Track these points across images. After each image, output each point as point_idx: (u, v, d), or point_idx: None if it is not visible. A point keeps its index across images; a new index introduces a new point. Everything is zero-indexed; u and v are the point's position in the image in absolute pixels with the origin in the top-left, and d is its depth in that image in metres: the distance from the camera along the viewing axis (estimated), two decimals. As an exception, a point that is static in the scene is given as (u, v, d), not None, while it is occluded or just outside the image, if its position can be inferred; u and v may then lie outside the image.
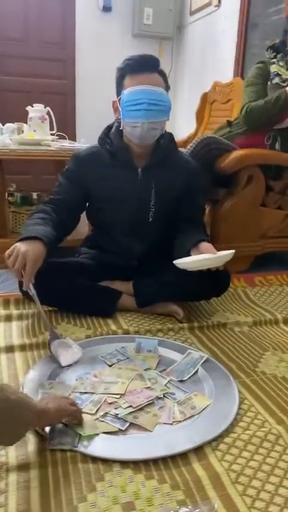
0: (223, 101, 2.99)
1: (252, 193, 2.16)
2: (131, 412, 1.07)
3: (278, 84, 2.10)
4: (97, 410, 1.07)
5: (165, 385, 1.20)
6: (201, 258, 1.41)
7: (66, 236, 1.61)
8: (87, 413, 1.06)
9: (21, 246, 1.33)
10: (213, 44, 3.78)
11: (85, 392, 1.15)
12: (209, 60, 3.87)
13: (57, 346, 1.30)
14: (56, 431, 0.99)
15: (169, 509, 0.81)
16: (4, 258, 1.33)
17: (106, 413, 1.07)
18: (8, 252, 1.33)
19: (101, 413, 1.06)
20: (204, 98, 3.20)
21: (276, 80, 2.11)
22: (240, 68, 3.46)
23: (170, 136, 1.62)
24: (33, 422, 0.92)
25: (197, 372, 1.27)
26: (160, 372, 1.27)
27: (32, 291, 1.34)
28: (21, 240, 1.37)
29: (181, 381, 1.23)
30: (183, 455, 0.96)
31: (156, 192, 1.59)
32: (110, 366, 1.29)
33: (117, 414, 1.06)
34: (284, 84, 2.08)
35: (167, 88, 1.52)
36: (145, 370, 1.26)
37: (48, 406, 0.95)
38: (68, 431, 0.99)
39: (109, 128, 1.61)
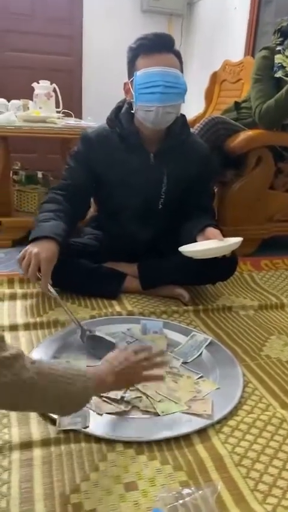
0: (233, 80, 2.92)
1: (261, 175, 2.12)
2: (138, 397, 1.06)
3: (281, 78, 2.02)
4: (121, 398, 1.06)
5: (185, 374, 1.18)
6: (207, 247, 1.38)
7: (78, 223, 1.56)
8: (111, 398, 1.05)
9: (32, 249, 1.29)
10: (224, 21, 3.68)
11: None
12: (220, 38, 3.77)
13: (91, 341, 1.25)
14: None
15: (172, 490, 0.81)
16: (18, 261, 1.30)
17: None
18: (19, 256, 1.29)
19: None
20: (214, 77, 3.13)
21: (280, 73, 2.03)
22: (251, 47, 3.37)
23: (183, 119, 1.55)
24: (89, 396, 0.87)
25: (201, 354, 1.27)
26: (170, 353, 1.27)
27: (53, 293, 1.29)
28: (32, 240, 1.33)
29: (185, 363, 1.23)
30: (186, 437, 0.96)
31: (168, 179, 1.54)
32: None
33: (123, 397, 1.05)
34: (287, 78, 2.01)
35: (182, 69, 1.43)
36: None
37: (107, 379, 0.91)
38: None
39: (119, 108, 1.53)
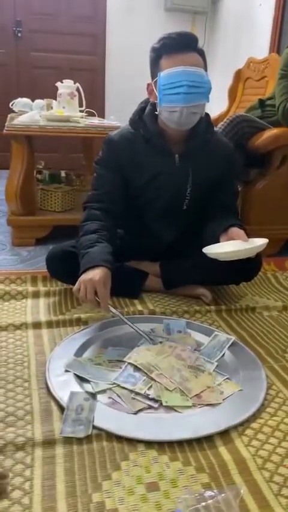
0: (257, 78, 2.88)
1: (286, 174, 2.09)
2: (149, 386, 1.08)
3: None
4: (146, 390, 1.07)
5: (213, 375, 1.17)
6: (232, 249, 1.35)
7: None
8: (135, 391, 1.06)
9: (85, 277, 1.29)
10: (248, 18, 3.64)
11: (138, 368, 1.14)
12: (244, 35, 3.73)
13: None
14: (68, 421, 0.96)
15: (194, 492, 0.80)
16: (75, 292, 1.31)
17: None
18: (75, 288, 1.30)
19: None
20: (238, 74, 3.09)
21: None
22: (276, 44, 3.32)
23: (207, 118, 1.51)
24: None
25: (223, 355, 1.25)
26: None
27: (115, 313, 1.31)
28: (82, 272, 1.32)
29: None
30: (209, 439, 0.95)
31: (193, 179, 1.51)
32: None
33: (149, 395, 1.06)
34: None
35: (206, 68, 1.40)
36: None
37: None
38: (81, 420, 0.97)
39: (142, 109, 1.50)
